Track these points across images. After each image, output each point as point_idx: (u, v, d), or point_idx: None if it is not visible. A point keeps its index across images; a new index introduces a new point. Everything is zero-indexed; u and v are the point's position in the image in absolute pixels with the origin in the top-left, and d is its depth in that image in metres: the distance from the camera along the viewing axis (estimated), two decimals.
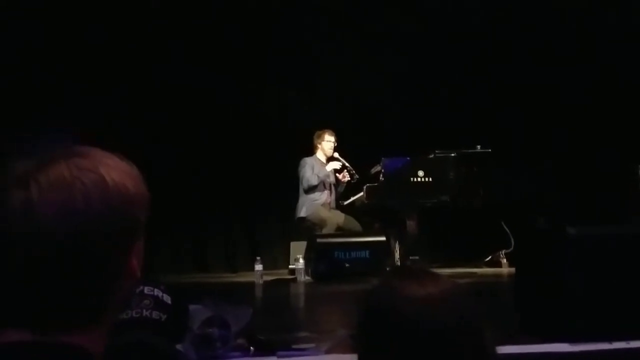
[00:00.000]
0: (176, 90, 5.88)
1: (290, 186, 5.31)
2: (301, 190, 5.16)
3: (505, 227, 5.20)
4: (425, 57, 5.99)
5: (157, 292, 1.26)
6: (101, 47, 5.44)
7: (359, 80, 5.98)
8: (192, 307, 1.50)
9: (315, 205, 5.12)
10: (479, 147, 5.21)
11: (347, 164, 5.30)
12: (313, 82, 6.07)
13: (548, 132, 5.81)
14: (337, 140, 5.31)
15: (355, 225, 5.14)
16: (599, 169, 5.38)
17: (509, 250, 5.14)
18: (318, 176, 5.10)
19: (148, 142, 5.59)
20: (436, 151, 5.16)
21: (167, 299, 1.28)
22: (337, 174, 5.26)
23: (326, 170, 5.17)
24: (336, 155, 5.30)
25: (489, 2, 5.84)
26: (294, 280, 4.56)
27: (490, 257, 5.35)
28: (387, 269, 4.76)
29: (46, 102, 5.22)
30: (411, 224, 4.96)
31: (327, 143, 5.27)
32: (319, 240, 4.61)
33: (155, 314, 1.25)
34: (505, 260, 5.14)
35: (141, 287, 1.24)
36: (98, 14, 5.39)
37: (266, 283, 4.53)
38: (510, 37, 5.85)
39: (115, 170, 0.68)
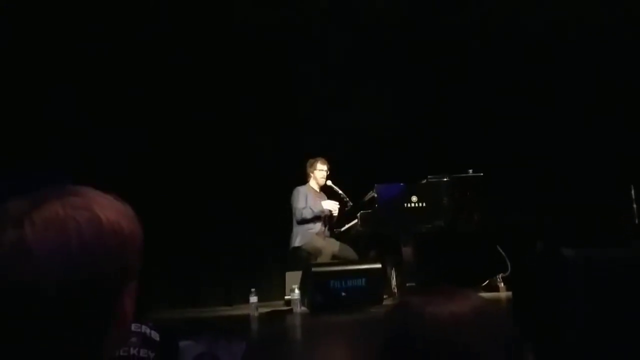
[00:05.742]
0: (173, 124, 5.91)
1: (284, 216, 5.27)
2: (295, 220, 5.12)
3: (501, 251, 5.17)
4: (416, 83, 6.04)
5: (144, 329, 1.21)
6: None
7: (352, 107, 6.01)
8: (182, 343, 1.45)
9: (310, 234, 5.08)
10: (470, 171, 5.22)
11: (340, 192, 5.27)
12: (305, 111, 6.09)
13: (546, 153, 5.80)
14: (330, 168, 5.30)
15: (350, 253, 5.09)
16: (595, 191, 5.35)
17: (506, 274, 5.10)
18: (312, 210, 5.07)
19: (141, 175, 5.58)
20: (429, 176, 5.16)
21: (155, 335, 1.23)
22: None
23: (321, 205, 5.14)
24: (329, 183, 5.29)
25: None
26: (290, 311, 4.49)
27: (487, 281, 5.30)
28: (384, 296, 4.71)
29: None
30: (407, 250, 4.92)
31: (319, 172, 5.26)
32: (314, 269, 4.55)
33: (143, 352, 1.20)
34: (502, 285, 5.09)
35: None
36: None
37: (262, 315, 4.45)
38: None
39: (109, 210, 0.68)
